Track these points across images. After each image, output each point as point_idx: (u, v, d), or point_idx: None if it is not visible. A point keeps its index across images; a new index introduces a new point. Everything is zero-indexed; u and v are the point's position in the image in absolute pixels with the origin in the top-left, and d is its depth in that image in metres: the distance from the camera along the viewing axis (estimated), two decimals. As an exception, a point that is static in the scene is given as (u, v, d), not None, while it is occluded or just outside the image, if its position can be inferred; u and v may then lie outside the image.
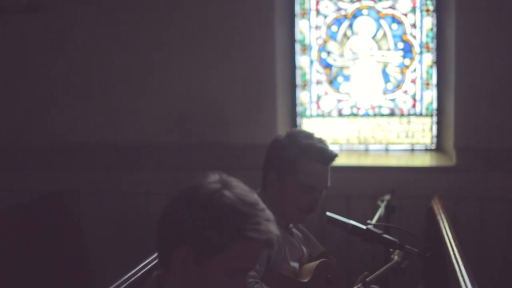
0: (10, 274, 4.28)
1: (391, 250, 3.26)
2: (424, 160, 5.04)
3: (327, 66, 5.28)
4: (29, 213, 4.82)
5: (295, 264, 2.90)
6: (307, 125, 5.29)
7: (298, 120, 5.33)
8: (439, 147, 5.15)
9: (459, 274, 2.39)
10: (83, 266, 5.14)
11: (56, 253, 4.84)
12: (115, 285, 2.30)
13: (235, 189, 1.83)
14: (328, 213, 3.02)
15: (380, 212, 3.87)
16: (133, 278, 2.43)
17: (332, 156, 2.98)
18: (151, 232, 4.88)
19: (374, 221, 3.38)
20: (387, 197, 4.25)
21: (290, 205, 2.96)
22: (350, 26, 5.22)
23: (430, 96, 5.14)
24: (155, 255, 2.75)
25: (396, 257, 3.23)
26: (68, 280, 4.71)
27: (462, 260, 2.58)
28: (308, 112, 5.33)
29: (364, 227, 2.97)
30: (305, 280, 2.84)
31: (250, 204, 1.81)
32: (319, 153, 2.94)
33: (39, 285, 4.43)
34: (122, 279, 2.38)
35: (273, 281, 2.60)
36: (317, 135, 3.05)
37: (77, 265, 5.07)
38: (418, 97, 5.17)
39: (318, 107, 5.32)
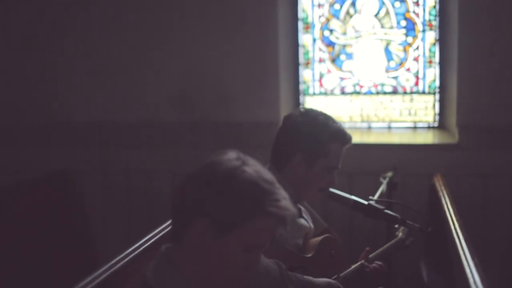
0: (13, 251, 4.31)
1: (395, 226, 3.30)
2: (427, 138, 5.05)
3: (330, 44, 5.28)
4: (32, 192, 4.86)
5: (300, 240, 2.92)
6: (309, 103, 5.30)
7: (301, 98, 5.33)
8: (441, 125, 5.15)
9: (459, 248, 2.41)
10: (87, 244, 5.17)
11: (59, 231, 4.88)
12: (120, 257, 2.31)
13: (253, 166, 1.86)
14: (331, 189, 3.05)
15: (382, 188, 3.89)
16: (138, 250, 2.44)
17: (351, 137, 3.01)
18: (154, 209, 4.93)
19: (376, 197, 3.41)
20: (389, 174, 4.27)
21: (313, 185, 2.98)
22: (353, 4, 5.21)
23: (433, 74, 5.14)
24: (159, 229, 2.78)
25: (400, 234, 3.27)
26: (71, 258, 4.74)
27: (463, 234, 2.60)
28: (311, 90, 5.33)
29: (365, 202, 3.00)
30: (309, 255, 2.86)
31: (269, 182, 1.84)
32: (344, 136, 2.97)
33: (42, 263, 4.45)
34: (128, 251, 2.40)
35: (277, 256, 2.61)
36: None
37: (80, 243, 5.11)
38: (420, 75, 5.17)
39: (321, 85, 5.32)
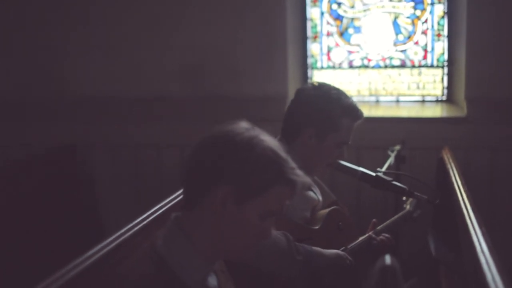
0: (23, 224, 4.35)
1: (403, 199, 3.31)
2: (435, 111, 5.04)
3: (338, 17, 5.26)
4: (42, 166, 4.89)
5: (307, 213, 2.93)
6: (317, 77, 5.30)
7: (309, 72, 5.33)
8: (449, 98, 5.14)
9: (467, 217, 2.42)
10: (96, 218, 5.21)
11: (68, 205, 4.91)
12: (128, 226, 2.33)
13: (267, 136, 1.89)
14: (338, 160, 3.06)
15: (390, 161, 3.90)
16: (147, 221, 2.46)
17: (362, 114, 3.01)
18: (163, 184, 4.95)
19: (383, 169, 3.41)
20: (397, 147, 4.28)
21: (323, 159, 2.99)
22: (361, -23, 5.19)
23: (441, 47, 5.12)
24: (168, 199, 2.79)
25: (408, 207, 3.28)
26: (80, 231, 4.78)
27: (470, 204, 2.61)
28: (318, 64, 5.33)
29: (373, 174, 3.01)
30: (316, 227, 2.87)
31: (283, 151, 1.87)
32: (356, 111, 2.97)
33: (51, 236, 4.48)
34: (136, 221, 2.42)
35: (284, 228, 2.63)
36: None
37: (89, 217, 5.14)
38: (429, 48, 5.15)
39: (329, 58, 5.32)
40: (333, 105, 2.92)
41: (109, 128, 5.27)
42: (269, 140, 1.86)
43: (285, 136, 2.99)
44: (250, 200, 1.82)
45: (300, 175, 1.85)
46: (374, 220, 3.08)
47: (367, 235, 2.99)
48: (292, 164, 1.86)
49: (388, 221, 3.17)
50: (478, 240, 2.06)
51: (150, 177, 5.19)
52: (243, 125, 1.89)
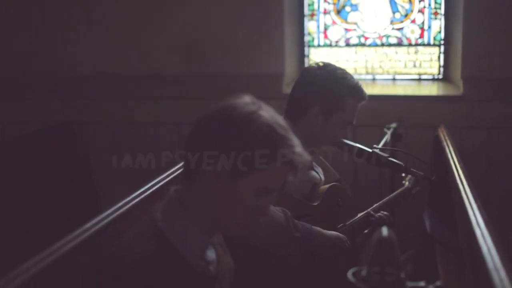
0: (20, 201, 4.35)
1: (402, 175, 3.33)
2: (431, 90, 5.05)
3: (335, -5, 5.25)
4: (39, 143, 4.88)
5: (307, 190, 2.95)
6: (314, 55, 5.29)
7: (306, 49, 5.32)
8: (446, 77, 5.15)
9: (462, 192, 2.43)
10: (92, 194, 5.21)
11: (65, 183, 4.91)
12: (127, 199, 2.34)
13: (269, 112, 1.86)
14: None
15: (386, 138, 3.91)
16: (144, 195, 2.46)
17: (367, 95, 3.04)
18: (160, 161, 4.94)
19: (380, 146, 3.43)
20: (393, 125, 4.28)
21: (327, 139, 3.00)
22: (359, -46, 5.17)
23: (438, 25, 5.12)
24: (167, 173, 2.80)
25: (406, 184, 3.30)
26: (77, 208, 4.79)
27: (466, 179, 2.62)
28: (315, 42, 5.32)
29: (370, 150, 3.02)
30: (316, 204, 2.89)
31: (284, 128, 1.85)
32: (361, 92, 3.00)
33: (47, 214, 4.49)
34: (135, 194, 2.42)
35: (284, 204, 2.64)
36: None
37: (86, 194, 5.15)
38: (426, 27, 5.15)
39: (326, 36, 5.31)
40: (339, 84, 2.94)
41: (107, 105, 5.26)
42: (270, 116, 1.84)
43: (290, 115, 3.00)
44: (244, 177, 1.81)
45: (299, 153, 1.83)
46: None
47: (365, 212, 3.01)
48: (293, 141, 1.84)
49: (386, 198, 3.20)
50: (474, 214, 2.07)
51: (147, 154, 5.18)
52: (246, 99, 1.88)
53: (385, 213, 3.03)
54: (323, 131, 2.96)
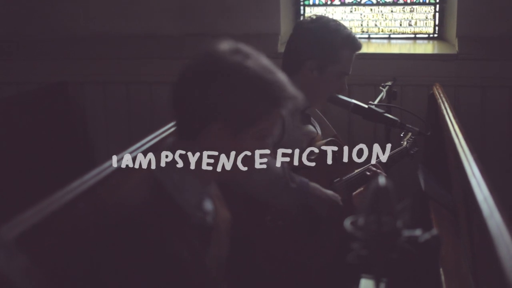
0: (14, 161, 4.36)
1: (401, 135, 3.36)
2: (426, 48, 5.04)
3: (331, -47, 5.21)
4: (33, 103, 4.87)
5: (304, 144, 2.96)
6: (310, 13, 5.25)
7: (301, 8, 5.28)
8: (441, 36, 5.13)
9: (458, 145, 2.44)
10: (88, 155, 5.22)
11: (60, 142, 4.91)
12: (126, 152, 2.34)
13: (253, 59, 1.84)
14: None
15: (381, 95, 3.91)
16: (144, 147, 2.47)
17: (361, 44, 3.05)
18: (155, 120, 4.94)
19: (376, 102, 3.44)
20: (388, 83, 4.29)
21: (324, 91, 3.01)
22: None
23: (434, -17, 5.10)
24: (164, 128, 2.80)
25: (405, 143, 3.33)
26: (72, 167, 4.79)
27: (462, 133, 2.63)
28: (311, 1, 5.28)
29: (366, 106, 3.03)
30: (313, 157, 2.90)
31: (271, 71, 1.85)
32: (355, 41, 3.01)
33: (42, 173, 4.49)
34: (134, 147, 2.42)
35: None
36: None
37: (82, 155, 5.16)
38: (421, -15, 5.13)
39: (321, -5, 5.28)
40: (332, 35, 2.94)
41: (101, 65, 5.23)
42: (255, 64, 1.83)
43: (286, 70, 2.98)
44: (245, 129, 1.84)
45: (291, 94, 1.85)
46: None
47: (362, 168, 3.03)
48: (281, 82, 1.85)
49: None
50: (470, 165, 2.08)
51: (142, 114, 5.19)
52: (226, 46, 1.86)
53: (379, 168, 3.05)
54: (319, 85, 2.97)
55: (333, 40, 2.94)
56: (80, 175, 2.05)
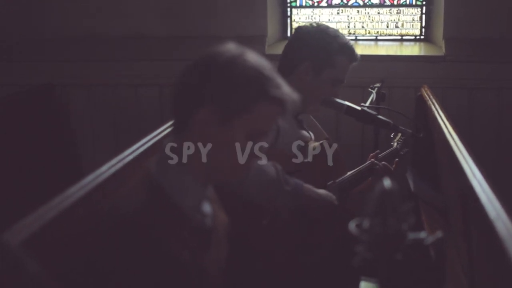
0: (1, 163, 4.32)
1: (391, 136, 3.37)
2: (413, 50, 5.06)
3: (317, -45, 5.21)
4: (19, 106, 4.83)
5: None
6: (296, 15, 5.26)
7: (288, 10, 5.28)
8: (428, 38, 5.16)
9: (455, 148, 2.45)
10: (74, 156, 5.18)
11: (46, 145, 4.88)
12: (122, 156, 2.32)
13: (254, 55, 1.87)
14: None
15: (372, 97, 3.93)
16: (139, 150, 2.45)
17: (359, 57, 3.09)
18: (141, 123, 4.92)
19: (367, 104, 3.45)
20: (377, 85, 4.30)
21: (317, 95, 3.01)
22: None
23: (420, -14, 5.11)
24: (161, 129, 2.79)
25: (395, 144, 3.34)
26: (59, 170, 4.76)
27: (457, 134, 2.63)
28: (298, 3, 5.28)
29: (359, 108, 3.04)
30: (306, 160, 2.90)
31: (270, 69, 1.86)
32: (352, 52, 3.05)
33: (28, 177, 4.46)
34: (130, 150, 2.41)
35: (274, 159, 2.65)
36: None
37: (67, 156, 5.12)
38: (408, -13, 5.14)
39: (308, -3, 5.28)
40: (330, 40, 2.99)
41: (87, 66, 5.21)
42: (254, 59, 1.85)
43: (281, 71, 2.99)
44: (233, 119, 1.82)
45: (286, 92, 1.85)
46: (378, 150, 3.24)
47: (355, 170, 3.04)
48: (280, 82, 1.85)
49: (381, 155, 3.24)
50: (469, 167, 2.08)
51: (128, 116, 5.17)
52: (229, 46, 1.89)
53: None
54: (313, 88, 2.98)
55: (330, 44, 2.98)
56: (75, 180, 2.03)
